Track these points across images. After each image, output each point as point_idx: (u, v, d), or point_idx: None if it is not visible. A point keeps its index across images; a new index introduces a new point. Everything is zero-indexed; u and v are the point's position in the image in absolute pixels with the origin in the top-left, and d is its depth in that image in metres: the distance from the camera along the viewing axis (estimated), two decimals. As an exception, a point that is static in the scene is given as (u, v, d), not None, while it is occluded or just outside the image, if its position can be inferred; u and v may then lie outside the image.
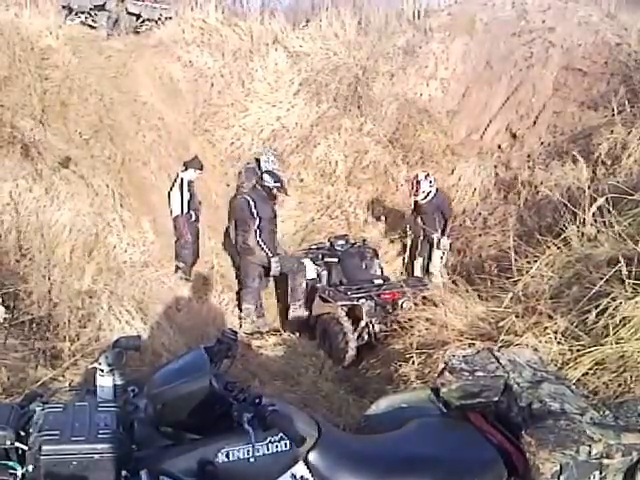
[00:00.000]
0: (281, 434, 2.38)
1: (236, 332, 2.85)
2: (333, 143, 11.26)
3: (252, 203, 8.66)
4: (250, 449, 2.34)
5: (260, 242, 8.58)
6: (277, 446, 2.41)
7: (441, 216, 9.14)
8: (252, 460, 2.34)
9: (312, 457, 2.49)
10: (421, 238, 9.43)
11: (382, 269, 9.24)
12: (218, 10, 13.37)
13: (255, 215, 8.61)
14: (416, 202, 9.30)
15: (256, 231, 8.61)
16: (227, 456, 2.36)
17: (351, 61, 12.18)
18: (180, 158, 10.02)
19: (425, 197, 9.09)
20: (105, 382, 2.61)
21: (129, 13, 13.87)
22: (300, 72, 12.20)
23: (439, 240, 9.12)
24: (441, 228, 9.16)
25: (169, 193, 9.24)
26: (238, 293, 8.98)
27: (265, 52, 12.48)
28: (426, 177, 9.12)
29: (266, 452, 2.40)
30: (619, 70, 10.59)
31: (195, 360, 2.58)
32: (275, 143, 11.34)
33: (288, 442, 2.40)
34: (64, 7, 13.31)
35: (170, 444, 2.46)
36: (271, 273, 8.73)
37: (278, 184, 8.95)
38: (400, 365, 5.35)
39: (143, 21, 13.98)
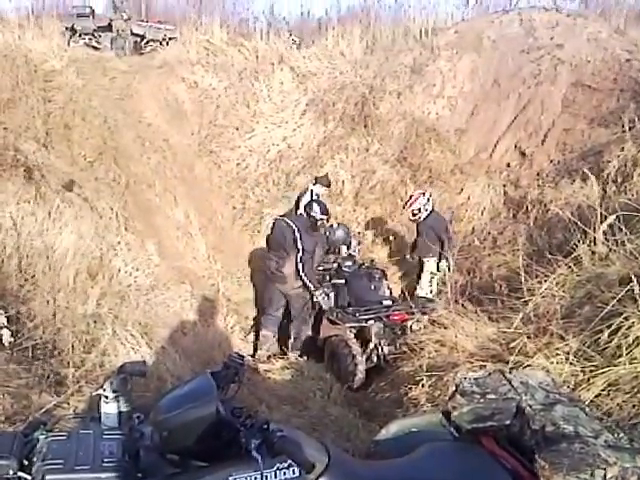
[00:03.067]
0: (290, 461, 2.34)
1: (243, 356, 2.83)
2: (340, 163, 11.19)
3: (297, 232, 8.20)
4: (258, 476, 2.31)
5: (302, 274, 8.15)
6: (286, 473, 2.36)
7: (435, 238, 8.89)
8: None
9: None
10: (416, 259, 9.28)
11: (390, 290, 9.08)
12: (223, 30, 13.37)
13: (298, 245, 8.17)
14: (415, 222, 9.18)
15: (298, 262, 8.16)
16: None
17: (358, 80, 12.13)
18: (185, 180, 10.00)
19: (415, 215, 8.95)
20: (110, 409, 2.57)
21: (134, 34, 13.96)
22: (306, 92, 12.17)
23: (427, 262, 8.95)
24: (433, 250, 8.88)
25: (297, 202, 9.10)
26: (254, 319, 8.94)
27: (271, 72, 12.46)
28: (422, 195, 9.00)
29: (274, 479, 2.35)
30: (629, 86, 10.47)
31: (201, 386, 2.54)
32: (281, 164, 11.25)
33: (297, 469, 2.35)
34: (68, 29, 13.47)
35: (177, 472, 2.41)
36: (324, 308, 8.31)
37: (325, 216, 8.67)
38: (410, 388, 5.27)
39: (147, 42, 14.06)
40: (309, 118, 11.80)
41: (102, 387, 2.60)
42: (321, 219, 8.43)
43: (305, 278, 8.15)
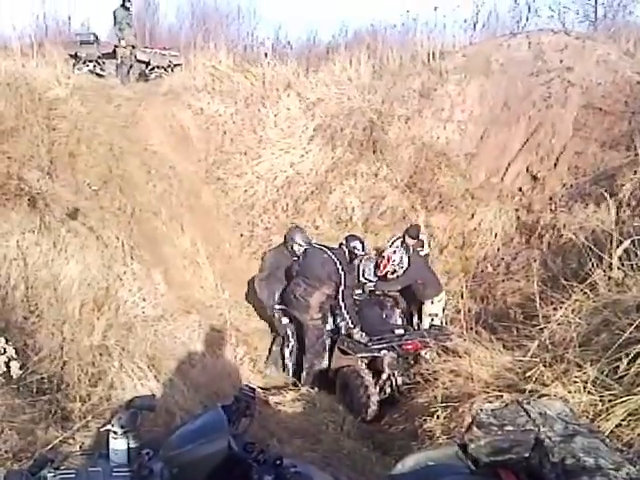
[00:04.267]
0: None
1: (254, 389, 2.76)
2: (349, 189, 11.08)
3: (339, 265, 8.21)
4: None
5: (344, 311, 8.12)
6: None
7: (422, 283, 8.76)
8: None
9: None
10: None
11: (403, 318, 8.90)
12: (229, 56, 13.35)
13: (341, 279, 8.15)
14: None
15: (341, 297, 8.14)
16: None
17: (366, 105, 12.03)
18: (191, 207, 9.94)
19: (394, 273, 8.74)
20: (119, 445, 2.40)
21: (138, 61, 13.98)
22: (314, 117, 12.08)
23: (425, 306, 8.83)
24: (426, 294, 8.82)
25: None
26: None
27: (277, 98, 12.40)
28: (394, 253, 8.77)
29: None
30: (640, 109, 10.32)
31: (212, 420, 2.43)
32: (289, 190, 11.15)
33: None
34: (72, 56, 13.52)
35: (188, 509, 2.31)
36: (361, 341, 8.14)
37: (363, 253, 8.69)
38: (425, 420, 5.21)
39: (152, 68, 14.07)
40: (317, 144, 11.70)
41: (110, 422, 2.47)
42: (360, 255, 8.62)
43: (347, 314, 8.10)
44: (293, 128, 12.03)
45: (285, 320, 8.65)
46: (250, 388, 2.73)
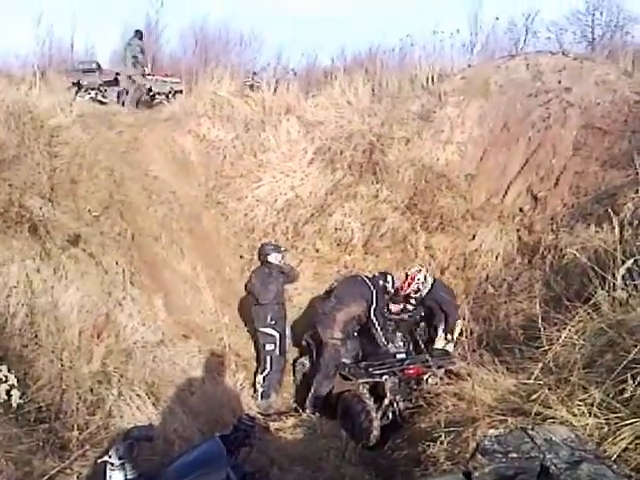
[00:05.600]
0: None
1: (254, 417, 2.71)
2: (349, 211, 11.06)
3: (372, 287, 8.50)
4: None
5: (378, 327, 8.40)
6: None
7: (439, 310, 8.66)
8: None
9: None
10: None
11: (406, 342, 8.83)
12: (230, 82, 13.43)
13: (373, 299, 8.41)
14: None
15: (371, 315, 8.42)
16: None
17: (365, 128, 12.07)
18: (192, 231, 9.95)
19: (417, 293, 8.72)
20: (116, 477, 2.46)
21: (140, 88, 14.10)
22: (313, 141, 12.12)
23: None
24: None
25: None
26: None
27: (277, 122, 12.43)
28: (419, 272, 8.79)
29: None
30: (640, 128, 10.31)
31: (210, 451, 2.48)
32: (289, 213, 11.14)
33: None
34: (74, 84, 13.63)
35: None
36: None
37: (392, 290, 8.73)
38: (428, 445, 5.08)
39: (154, 95, 14.17)
40: (317, 167, 11.73)
41: (107, 453, 2.49)
42: (389, 291, 8.67)
43: (380, 330, 8.39)
44: (293, 151, 12.07)
45: (269, 346, 8.69)
46: (250, 417, 2.71)
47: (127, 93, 14.41)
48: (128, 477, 2.42)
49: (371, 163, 11.51)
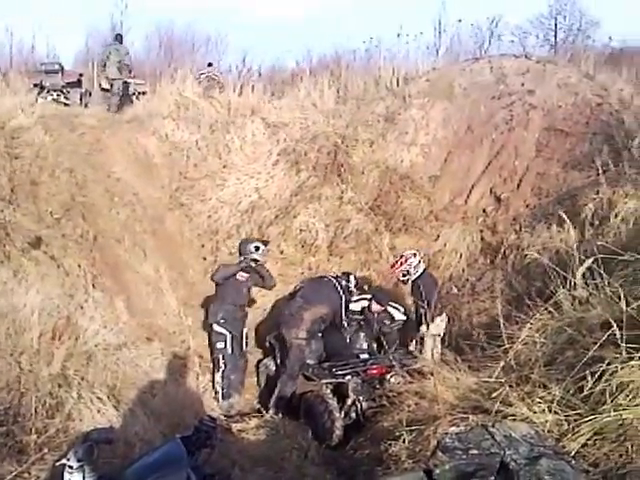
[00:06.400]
0: None
1: (215, 419, 2.69)
2: (314, 212, 11.04)
3: (340, 289, 8.50)
4: None
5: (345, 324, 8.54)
6: None
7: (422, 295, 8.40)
8: None
9: None
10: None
11: (369, 342, 8.82)
12: (195, 84, 13.36)
13: (341, 300, 8.44)
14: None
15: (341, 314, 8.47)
16: None
17: (330, 130, 12.06)
18: (155, 233, 9.86)
19: (405, 276, 8.67)
20: (75, 479, 2.44)
21: (103, 89, 13.97)
22: (278, 142, 12.08)
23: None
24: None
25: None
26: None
27: (242, 123, 12.37)
28: (414, 256, 8.72)
29: None
30: (601, 129, 10.52)
31: (170, 452, 2.48)
32: (253, 215, 11.09)
33: None
34: (36, 85, 13.45)
35: None
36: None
37: (354, 290, 8.75)
38: (390, 444, 5.04)
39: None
40: (282, 168, 11.69)
41: (66, 456, 2.43)
42: (352, 290, 8.66)
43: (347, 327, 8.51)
44: (258, 153, 12.02)
45: (220, 344, 8.61)
46: (211, 418, 2.69)
47: (90, 95, 14.29)
48: (87, 480, 2.37)
49: (336, 165, 11.50)
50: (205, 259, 10.55)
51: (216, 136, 12.14)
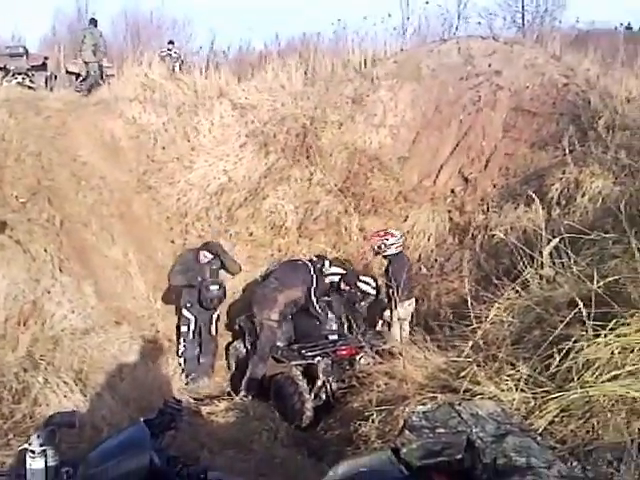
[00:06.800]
0: None
1: (180, 401, 2.69)
2: (283, 195, 11.00)
3: (313, 272, 8.56)
4: None
5: (316, 305, 8.50)
6: None
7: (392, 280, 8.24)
8: None
9: None
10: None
11: (339, 324, 8.83)
12: (162, 66, 13.20)
13: (313, 282, 8.47)
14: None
15: (311, 295, 8.47)
16: None
17: (298, 111, 12.00)
18: (123, 217, 9.77)
19: (379, 249, 8.72)
20: (36, 464, 2.34)
21: (68, 72, 13.81)
22: (247, 124, 11.99)
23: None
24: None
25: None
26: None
27: (210, 105, 12.26)
28: (385, 234, 8.76)
29: None
30: (567, 110, 10.59)
31: (134, 435, 2.42)
32: (222, 197, 11.02)
33: None
34: (0, 69, 13.23)
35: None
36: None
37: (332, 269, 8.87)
38: (360, 424, 5.14)
39: (84, 80, 13.87)
40: (250, 150, 11.61)
41: (28, 441, 2.38)
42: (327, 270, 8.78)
43: (318, 308, 8.43)
44: (226, 135, 11.92)
45: (183, 328, 8.76)
46: (176, 401, 2.67)
47: (55, 78, 14.12)
48: (49, 464, 2.33)
49: (304, 146, 11.45)
50: (174, 242, 10.48)
51: (184, 118, 12.02)
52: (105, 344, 7.43)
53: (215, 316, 8.91)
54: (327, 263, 8.82)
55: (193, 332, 8.71)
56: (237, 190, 11.17)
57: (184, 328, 8.71)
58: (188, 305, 8.70)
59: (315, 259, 8.92)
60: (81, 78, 14.35)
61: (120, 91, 12.72)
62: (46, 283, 7.60)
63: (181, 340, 8.68)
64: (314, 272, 8.52)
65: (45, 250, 8.07)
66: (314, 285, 8.44)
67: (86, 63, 14.03)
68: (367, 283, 8.81)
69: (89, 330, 7.49)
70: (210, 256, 8.86)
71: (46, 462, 2.31)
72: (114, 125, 11.58)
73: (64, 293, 7.72)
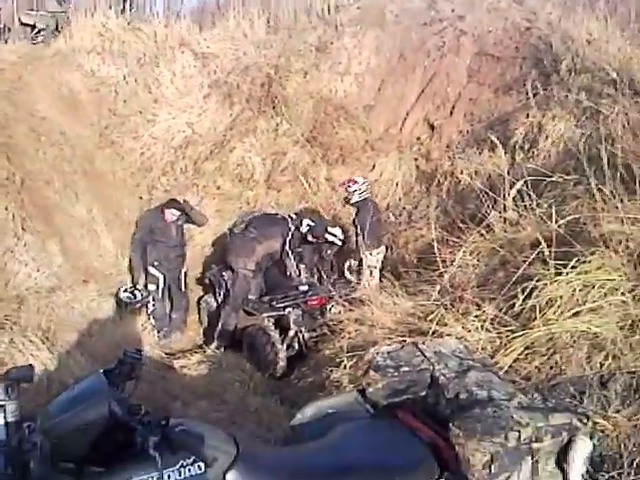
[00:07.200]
0: (194, 457, 2.21)
1: (140, 350, 2.71)
2: (249, 146, 10.88)
3: (291, 231, 8.71)
4: (159, 476, 2.17)
5: (291, 256, 8.74)
6: (190, 470, 2.23)
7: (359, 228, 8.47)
8: None
9: (230, 477, 2.31)
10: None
11: (309, 274, 8.87)
12: (119, 15, 12.81)
13: (289, 234, 8.69)
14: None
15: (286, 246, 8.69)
16: None
17: (262, 60, 11.80)
18: (86, 174, 9.60)
19: (348, 196, 8.75)
20: None
21: (22, 24, 13.32)
22: (209, 74, 11.77)
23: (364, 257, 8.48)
24: (367, 244, 8.41)
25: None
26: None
27: (171, 56, 11.96)
28: (349, 181, 8.84)
29: (178, 478, 2.21)
30: (530, 54, 10.53)
31: (93, 385, 2.44)
32: (188, 150, 10.86)
33: (202, 464, 2.23)
34: (-49, 22, 12.75)
35: (71, 481, 2.21)
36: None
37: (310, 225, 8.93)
38: (331, 371, 5.21)
39: (39, 32, 13.40)
40: (214, 102, 11.41)
41: None
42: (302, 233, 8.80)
43: (293, 259, 8.63)
44: (189, 86, 11.67)
45: (152, 287, 8.74)
46: (137, 350, 2.68)
47: (9, 30, 13.62)
48: (9, 420, 2.32)
49: (269, 97, 11.28)
50: (141, 198, 10.35)
51: (145, 70, 11.72)
52: (73, 302, 7.45)
53: (183, 272, 8.90)
54: (305, 224, 8.84)
55: (162, 290, 8.69)
56: (202, 143, 11.00)
57: (152, 287, 8.67)
58: (155, 263, 8.66)
59: (295, 217, 9.00)
60: (37, 30, 13.85)
61: (77, 43, 12.30)
62: (9, 242, 7.54)
63: (150, 299, 8.64)
64: (292, 226, 8.63)
65: (6, 209, 7.92)
66: (289, 237, 8.54)
67: (52, 13, 13.51)
68: (334, 234, 8.84)
69: (55, 289, 7.47)
70: (177, 213, 8.79)
71: (5, 417, 2.30)
72: (72, 78, 11.20)
73: (28, 252, 7.67)
